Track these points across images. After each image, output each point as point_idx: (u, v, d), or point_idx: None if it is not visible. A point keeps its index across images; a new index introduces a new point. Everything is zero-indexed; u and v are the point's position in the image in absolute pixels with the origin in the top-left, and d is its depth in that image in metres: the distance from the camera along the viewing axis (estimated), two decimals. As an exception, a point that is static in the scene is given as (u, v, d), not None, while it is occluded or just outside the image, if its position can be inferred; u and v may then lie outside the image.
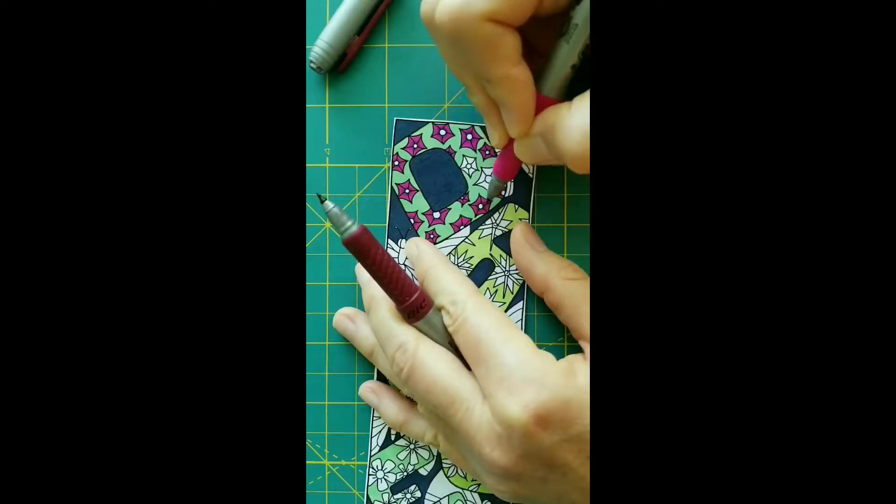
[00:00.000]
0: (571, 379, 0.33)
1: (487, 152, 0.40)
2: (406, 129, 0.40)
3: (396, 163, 0.41)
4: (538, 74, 0.33)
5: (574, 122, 0.30)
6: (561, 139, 0.31)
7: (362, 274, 0.39)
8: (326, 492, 0.42)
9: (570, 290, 0.37)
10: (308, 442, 0.42)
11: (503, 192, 0.40)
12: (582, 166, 0.31)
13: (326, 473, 0.42)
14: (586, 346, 0.36)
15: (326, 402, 0.42)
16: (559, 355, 0.35)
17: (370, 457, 0.41)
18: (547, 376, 0.32)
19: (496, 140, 0.37)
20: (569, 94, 0.33)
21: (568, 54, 0.32)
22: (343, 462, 0.42)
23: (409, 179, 0.41)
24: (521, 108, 0.33)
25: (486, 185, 0.40)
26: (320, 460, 0.42)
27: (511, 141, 0.36)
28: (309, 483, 0.42)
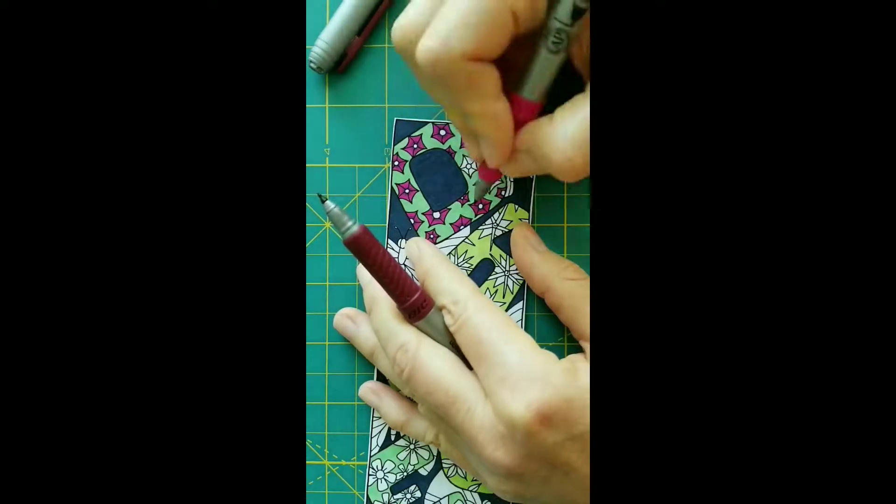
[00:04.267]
0: (574, 378, 0.33)
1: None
2: (406, 129, 0.40)
3: (396, 163, 0.41)
4: (519, 79, 0.33)
5: (558, 133, 0.31)
6: (547, 152, 0.31)
7: (364, 274, 0.39)
8: (326, 492, 0.42)
9: (571, 291, 0.37)
10: (308, 442, 0.42)
11: (502, 192, 0.40)
12: (570, 175, 0.31)
13: (326, 473, 0.42)
14: (587, 347, 0.36)
15: (326, 402, 0.42)
16: (560, 355, 0.35)
17: (370, 457, 0.41)
18: (550, 375, 0.32)
19: (475, 156, 0.36)
20: (551, 97, 0.32)
21: (547, 57, 0.32)
22: (343, 462, 0.42)
23: (409, 179, 0.41)
24: (501, 141, 0.33)
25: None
26: (320, 460, 0.42)
27: None
28: (309, 483, 0.42)
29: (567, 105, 0.31)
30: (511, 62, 0.32)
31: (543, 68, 0.32)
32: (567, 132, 0.30)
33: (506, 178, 0.40)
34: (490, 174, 0.38)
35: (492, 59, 0.30)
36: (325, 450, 0.42)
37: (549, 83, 0.33)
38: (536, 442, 0.32)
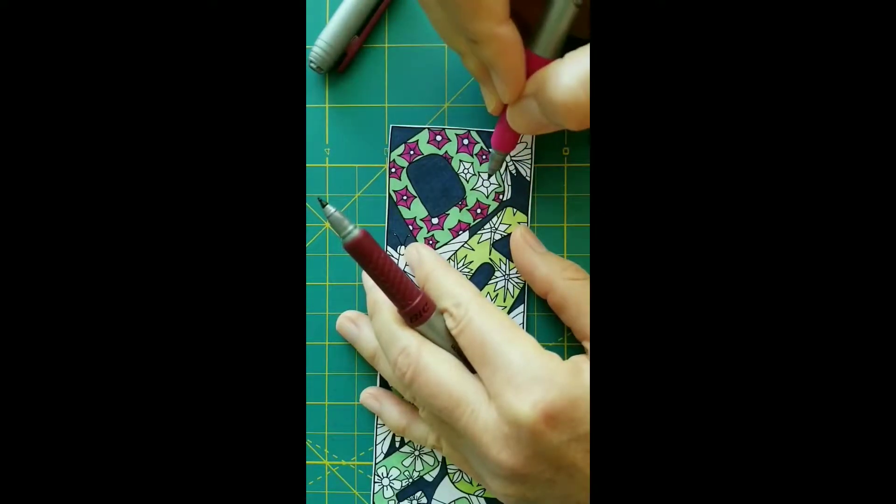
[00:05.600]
0: (578, 378, 0.33)
1: (484, 157, 0.40)
2: (402, 136, 0.40)
3: (393, 169, 0.41)
4: (532, 35, 0.32)
5: (566, 71, 0.30)
6: (552, 90, 0.30)
7: (368, 279, 0.39)
8: (326, 492, 0.42)
9: (573, 291, 0.37)
10: (308, 442, 0.42)
11: (500, 196, 0.40)
12: (575, 118, 0.30)
13: (326, 473, 0.42)
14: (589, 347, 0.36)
15: (326, 402, 0.42)
16: (560, 356, 0.34)
17: (375, 464, 0.41)
18: (554, 375, 0.32)
19: (491, 106, 0.36)
20: (565, 52, 0.31)
21: (560, 10, 0.31)
22: (343, 462, 0.42)
23: (406, 186, 0.41)
24: (511, 69, 0.32)
25: (484, 190, 0.40)
26: (320, 460, 0.42)
27: (506, 109, 0.35)
28: (309, 483, 0.42)
29: (578, 49, 0.30)
30: (524, 18, 0.32)
31: (557, 19, 0.31)
32: (574, 70, 0.29)
33: (503, 181, 0.40)
34: (503, 142, 0.37)
35: None
36: (325, 450, 0.42)
37: (563, 37, 0.32)
38: (542, 442, 0.32)
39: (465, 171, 0.40)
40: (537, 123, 0.34)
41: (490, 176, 0.40)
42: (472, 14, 0.30)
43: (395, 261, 0.41)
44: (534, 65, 0.32)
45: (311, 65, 0.39)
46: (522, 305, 0.40)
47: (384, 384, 0.41)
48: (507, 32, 0.30)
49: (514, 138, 0.37)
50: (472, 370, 0.35)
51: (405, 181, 0.41)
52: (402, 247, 0.41)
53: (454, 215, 0.41)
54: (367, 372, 0.41)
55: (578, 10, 0.31)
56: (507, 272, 0.40)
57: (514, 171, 0.40)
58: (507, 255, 0.40)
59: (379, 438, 0.41)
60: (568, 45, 0.32)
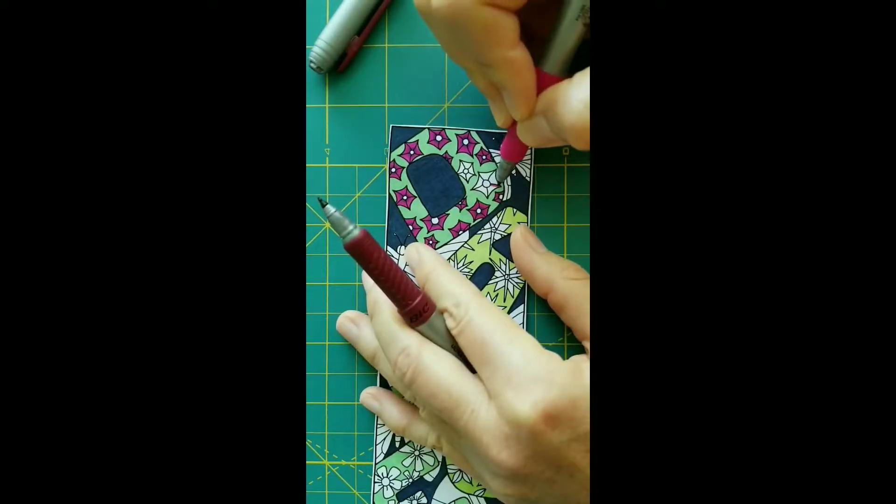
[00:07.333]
0: (578, 378, 0.32)
1: (484, 157, 0.40)
2: (402, 136, 0.40)
3: (394, 169, 0.41)
4: (541, 52, 0.33)
5: (575, 94, 0.30)
6: (561, 113, 0.30)
7: (368, 279, 0.39)
8: (326, 492, 0.42)
9: (574, 290, 0.37)
10: (308, 442, 0.42)
11: (500, 196, 0.40)
12: (583, 140, 0.30)
13: (326, 473, 0.42)
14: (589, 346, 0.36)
15: (326, 402, 0.42)
16: (560, 355, 0.34)
17: (375, 464, 0.41)
18: (554, 375, 0.32)
19: (500, 121, 0.36)
20: (573, 70, 0.32)
21: (569, 29, 0.31)
22: (343, 462, 0.42)
23: (406, 186, 0.41)
24: (522, 90, 0.32)
25: (484, 190, 0.40)
26: (320, 460, 0.42)
27: (516, 124, 0.35)
28: (309, 483, 0.42)
29: (586, 70, 0.30)
30: (534, 33, 0.32)
31: (566, 38, 0.32)
32: (583, 93, 0.30)
33: (503, 182, 0.40)
34: (511, 152, 0.38)
35: (511, 9, 0.29)
36: (325, 450, 0.42)
37: (572, 55, 0.32)
38: (542, 442, 0.32)
39: (465, 171, 0.40)
40: (546, 139, 0.34)
41: (499, 184, 0.40)
42: (483, 41, 0.30)
43: (395, 261, 0.41)
44: (543, 82, 0.33)
45: (311, 65, 0.39)
46: (522, 305, 0.40)
47: (384, 384, 0.41)
48: (519, 55, 0.31)
49: (523, 150, 0.38)
50: (472, 370, 0.35)
51: (405, 181, 0.41)
52: (402, 247, 0.41)
53: (454, 215, 0.41)
54: (367, 372, 0.42)
55: (586, 29, 0.31)
56: (507, 272, 0.40)
57: (514, 172, 0.40)
58: (507, 255, 0.40)
59: (379, 438, 0.41)
60: (576, 60, 0.33)
